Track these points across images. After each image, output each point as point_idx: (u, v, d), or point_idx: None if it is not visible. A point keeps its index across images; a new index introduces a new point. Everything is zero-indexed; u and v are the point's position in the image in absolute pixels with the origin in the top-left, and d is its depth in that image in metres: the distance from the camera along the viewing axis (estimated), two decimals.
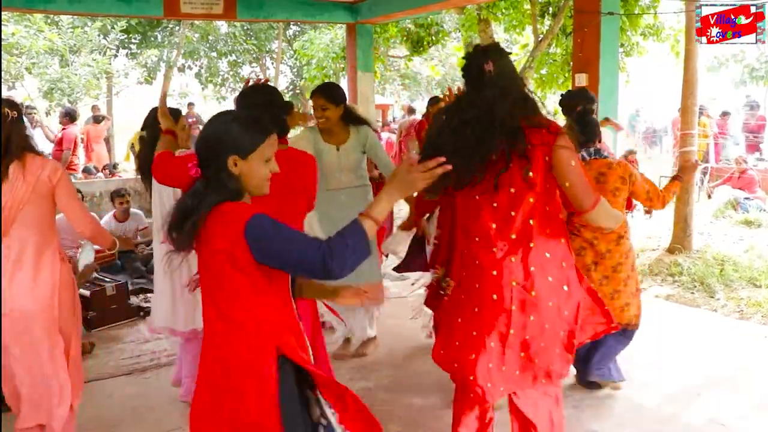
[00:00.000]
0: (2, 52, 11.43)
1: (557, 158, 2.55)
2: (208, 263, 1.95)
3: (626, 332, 3.82)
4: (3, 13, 8.32)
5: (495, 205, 2.61)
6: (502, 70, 2.63)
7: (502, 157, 2.54)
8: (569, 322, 2.70)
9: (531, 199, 2.58)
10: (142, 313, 5.49)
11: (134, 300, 5.62)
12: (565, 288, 2.68)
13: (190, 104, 16.55)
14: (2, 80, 11.61)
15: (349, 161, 4.28)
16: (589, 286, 2.86)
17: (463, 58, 2.80)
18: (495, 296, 2.62)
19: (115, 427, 3.70)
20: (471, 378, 2.66)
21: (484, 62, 2.61)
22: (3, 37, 12.14)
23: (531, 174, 2.54)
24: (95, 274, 5.44)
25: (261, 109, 2.82)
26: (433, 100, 7.63)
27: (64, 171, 3.12)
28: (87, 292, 5.20)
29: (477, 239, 2.67)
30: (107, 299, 5.30)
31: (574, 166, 2.57)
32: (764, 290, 5.79)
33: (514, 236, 2.60)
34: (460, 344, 2.71)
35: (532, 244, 2.60)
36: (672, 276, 6.36)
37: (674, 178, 4.08)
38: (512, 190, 2.57)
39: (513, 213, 2.59)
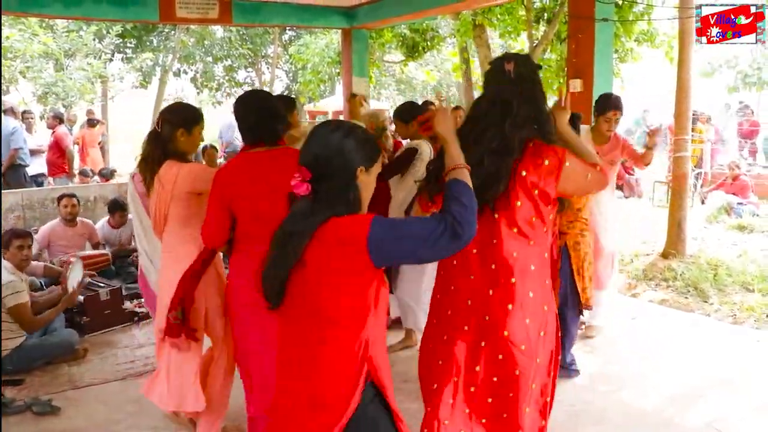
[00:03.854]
0: None
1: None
2: (312, 285, 1.82)
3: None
4: None
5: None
6: (524, 75, 2.50)
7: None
8: (542, 374, 2.52)
9: (514, 230, 2.43)
10: (136, 318, 5.48)
11: (128, 305, 5.61)
12: (542, 334, 2.49)
13: None
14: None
15: None
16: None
17: (489, 63, 2.67)
18: (466, 327, 2.48)
19: None
20: (428, 409, 2.49)
21: (506, 61, 2.51)
22: None
23: (519, 203, 2.41)
24: (89, 279, 5.43)
25: (259, 116, 2.87)
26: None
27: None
28: (81, 297, 5.18)
29: (454, 263, 2.52)
30: (101, 304, 5.28)
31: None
32: (757, 295, 5.82)
33: (494, 266, 2.44)
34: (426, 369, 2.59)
35: (513, 280, 2.42)
36: (666, 281, 6.38)
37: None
38: (496, 215, 2.44)
39: (495, 241, 2.43)
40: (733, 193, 10.03)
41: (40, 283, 5.46)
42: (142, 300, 5.55)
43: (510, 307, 2.41)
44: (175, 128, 3.17)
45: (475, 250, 2.45)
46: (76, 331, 4.93)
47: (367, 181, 1.90)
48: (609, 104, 4.52)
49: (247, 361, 2.94)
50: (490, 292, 2.43)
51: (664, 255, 6.97)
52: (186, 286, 2.99)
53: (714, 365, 4.45)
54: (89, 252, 6.18)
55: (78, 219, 6.46)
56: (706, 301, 5.80)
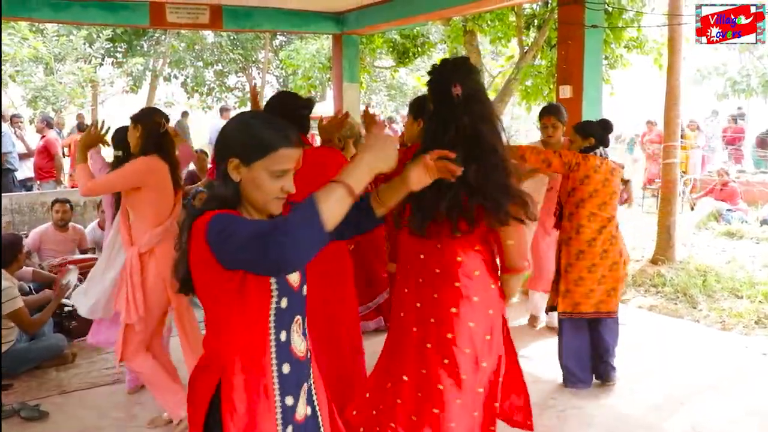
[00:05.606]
0: None
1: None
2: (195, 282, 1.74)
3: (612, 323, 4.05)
4: None
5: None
6: (472, 96, 2.43)
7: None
8: (489, 378, 2.51)
9: (458, 234, 2.44)
10: None
11: None
12: (488, 338, 2.48)
13: (185, 113, 16.48)
14: None
15: None
16: (515, 355, 2.67)
17: (429, 73, 2.58)
18: (415, 329, 2.51)
19: None
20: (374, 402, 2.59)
21: (452, 85, 2.41)
22: None
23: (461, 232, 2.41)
24: (79, 285, 5.39)
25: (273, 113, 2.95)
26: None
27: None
28: (70, 302, 5.15)
29: (408, 267, 2.57)
30: None
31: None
32: (745, 301, 5.85)
33: (438, 271, 2.47)
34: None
35: (457, 284, 2.44)
36: (655, 287, 6.40)
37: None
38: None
39: (439, 246, 2.46)
40: (722, 200, 10.10)
41: (29, 287, 5.43)
42: None
43: (454, 310, 2.44)
44: None
45: (422, 255, 2.51)
46: (65, 335, 4.90)
47: (251, 180, 1.66)
48: (542, 112, 4.84)
49: None
50: (435, 295, 2.47)
51: (654, 261, 7.00)
52: None
53: (702, 371, 4.47)
54: (78, 257, 6.16)
55: (70, 224, 6.45)
56: (695, 307, 5.83)
